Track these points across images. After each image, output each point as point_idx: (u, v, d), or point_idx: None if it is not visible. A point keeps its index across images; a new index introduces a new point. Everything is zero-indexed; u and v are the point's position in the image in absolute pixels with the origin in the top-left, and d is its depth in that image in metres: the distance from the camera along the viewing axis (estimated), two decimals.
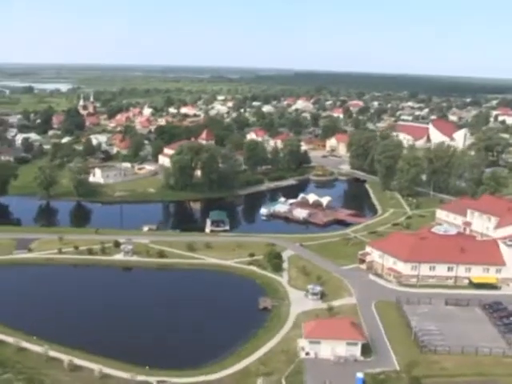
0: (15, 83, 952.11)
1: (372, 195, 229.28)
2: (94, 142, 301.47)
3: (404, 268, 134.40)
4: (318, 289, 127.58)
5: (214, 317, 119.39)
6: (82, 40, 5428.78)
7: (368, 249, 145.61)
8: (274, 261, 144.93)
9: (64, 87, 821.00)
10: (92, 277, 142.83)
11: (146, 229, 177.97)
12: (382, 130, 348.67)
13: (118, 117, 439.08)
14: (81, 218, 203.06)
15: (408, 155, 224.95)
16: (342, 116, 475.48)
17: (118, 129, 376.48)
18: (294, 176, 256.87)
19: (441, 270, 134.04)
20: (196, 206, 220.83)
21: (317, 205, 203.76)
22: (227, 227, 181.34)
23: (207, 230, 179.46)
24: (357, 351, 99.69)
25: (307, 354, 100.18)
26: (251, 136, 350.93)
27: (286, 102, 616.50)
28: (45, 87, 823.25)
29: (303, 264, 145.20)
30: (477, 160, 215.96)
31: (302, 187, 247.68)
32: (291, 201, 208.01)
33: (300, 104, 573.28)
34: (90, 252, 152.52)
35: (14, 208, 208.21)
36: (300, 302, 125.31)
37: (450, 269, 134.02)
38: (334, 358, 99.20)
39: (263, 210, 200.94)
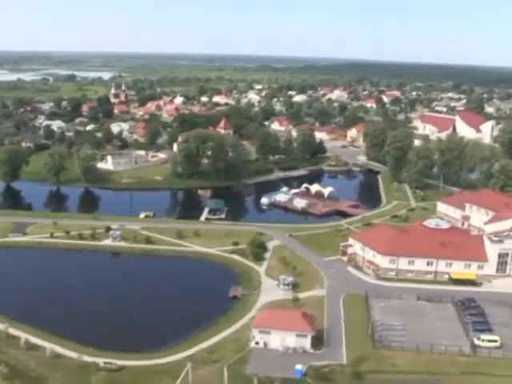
0: (61, 71, 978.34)
1: (381, 186, 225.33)
2: (117, 129, 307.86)
3: (382, 261, 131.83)
4: (290, 279, 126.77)
5: (183, 303, 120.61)
6: (130, 29, 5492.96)
7: (351, 240, 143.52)
8: (255, 250, 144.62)
9: (107, 75, 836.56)
10: (77, 261, 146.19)
11: (142, 215, 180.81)
12: (405, 121, 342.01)
13: (148, 105, 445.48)
14: (87, 203, 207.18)
15: (418, 147, 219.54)
16: (374, 106, 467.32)
17: (146, 117, 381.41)
18: (306, 166, 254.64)
19: (420, 264, 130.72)
20: (205, 194, 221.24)
21: (319, 195, 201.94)
22: (223, 216, 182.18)
23: (202, 217, 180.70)
24: (306, 343, 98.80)
25: (257, 343, 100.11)
26: (275, 125, 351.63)
27: (322, 92, 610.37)
28: (88, 75, 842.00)
29: (285, 254, 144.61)
30: (488, 153, 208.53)
31: (313, 177, 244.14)
32: (294, 191, 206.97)
33: (335, 94, 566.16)
34: (81, 237, 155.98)
35: (25, 193, 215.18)
36: (271, 291, 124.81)
37: (429, 263, 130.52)
38: (283, 348, 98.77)
39: (264, 200, 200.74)
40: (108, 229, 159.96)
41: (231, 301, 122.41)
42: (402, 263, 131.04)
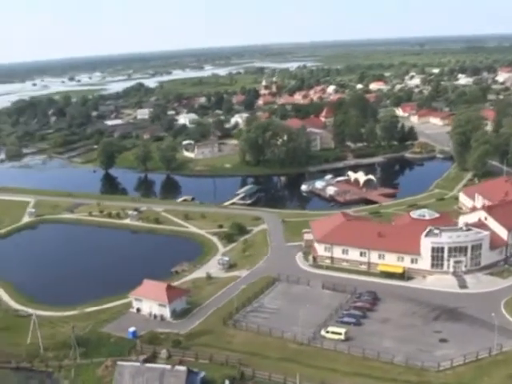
0: (262, 64, 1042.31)
1: (444, 174, 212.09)
2: (237, 120, 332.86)
3: (319, 248, 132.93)
4: (226, 260, 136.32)
5: (131, 272, 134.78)
6: (348, 17, 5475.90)
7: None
8: (228, 232, 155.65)
9: (295, 65, 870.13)
10: (95, 235, 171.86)
11: (181, 199, 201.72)
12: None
13: (296, 95, 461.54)
14: (165, 188, 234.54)
15: (479, 131, 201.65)
16: None
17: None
18: (387, 153, 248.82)
19: (353, 254, 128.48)
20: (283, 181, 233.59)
21: (357, 183, 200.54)
22: (249, 201, 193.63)
23: (228, 202, 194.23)
24: (166, 312, 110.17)
25: (132, 308, 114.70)
26: (399, 111, 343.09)
27: (500, 73, 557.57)
28: (279, 66, 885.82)
29: (254, 238, 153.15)
30: None
31: (389, 165, 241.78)
32: (339, 178, 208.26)
33: (504, 76, 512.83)
34: (109, 216, 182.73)
35: (120, 178, 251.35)
36: (209, 269, 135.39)
37: (362, 254, 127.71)
38: (147, 314, 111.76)
39: (303, 187, 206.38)
40: (135, 210, 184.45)
41: (170, 274, 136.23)
42: (337, 252, 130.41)
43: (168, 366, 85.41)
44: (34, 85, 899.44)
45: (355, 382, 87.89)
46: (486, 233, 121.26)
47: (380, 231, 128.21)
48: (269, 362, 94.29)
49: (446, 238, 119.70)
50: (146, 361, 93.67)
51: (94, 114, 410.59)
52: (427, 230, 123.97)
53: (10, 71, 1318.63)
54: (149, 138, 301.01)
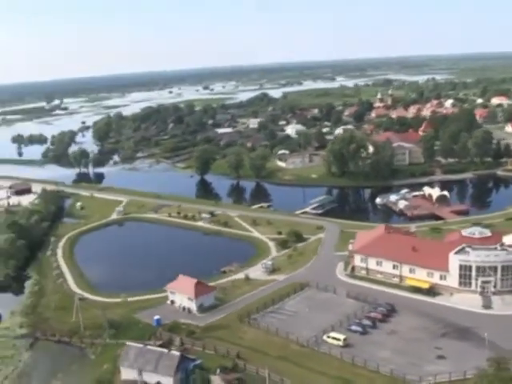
0: (397, 76, 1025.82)
1: None
2: (340, 132, 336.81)
3: (357, 259, 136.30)
4: (269, 264, 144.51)
5: (185, 270, 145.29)
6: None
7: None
8: (284, 239, 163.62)
9: (419, 78, 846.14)
10: (167, 233, 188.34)
11: (257, 206, 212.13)
12: None
13: (411, 108, 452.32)
14: (254, 195, 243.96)
15: None
16: None
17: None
18: (477, 170, 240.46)
19: (387, 266, 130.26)
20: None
21: (430, 199, 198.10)
22: (320, 211, 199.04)
23: (300, 211, 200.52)
24: (193, 305, 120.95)
25: (168, 300, 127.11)
26: (508, 128, 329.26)
27: None
28: (407, 79, 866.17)
29: (306, 246, 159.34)
30: None
31: (480, 181, 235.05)
32: (415, 193, 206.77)
33: None
34: (185, 217, 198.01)
35: (214, 184, 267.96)
36: (253, 271, 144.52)
37: (395, 267, 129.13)
38: (178, 306, 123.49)
39: (378, 200, 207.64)
40: (209, 213, 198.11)
41: (218, 274, 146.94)
42: (371, 263, 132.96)
43: (165, 350, 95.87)
44: (170, 92, 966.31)
45: None
46: None
47: (414, 245, 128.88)
48: (267, 358, 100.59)
49: (473, 257, 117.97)
50: (161, 346, 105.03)
51: (210, 122, 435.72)
52: (460, 247, 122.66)
53: (154, 79, 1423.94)
54: (251, 146, 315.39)
